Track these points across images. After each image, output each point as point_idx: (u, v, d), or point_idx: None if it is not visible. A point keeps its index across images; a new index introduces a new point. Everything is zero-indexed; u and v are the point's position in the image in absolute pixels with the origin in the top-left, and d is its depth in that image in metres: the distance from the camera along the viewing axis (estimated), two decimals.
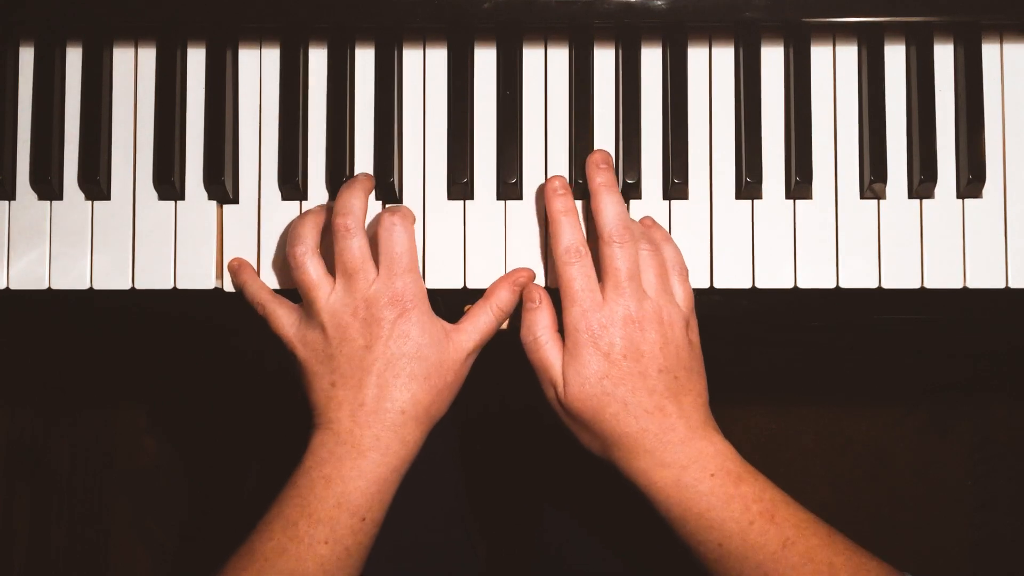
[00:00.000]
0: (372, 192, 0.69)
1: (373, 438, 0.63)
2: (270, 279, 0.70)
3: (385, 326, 0.63)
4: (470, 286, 0.70)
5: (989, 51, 0.70)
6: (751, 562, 0.60)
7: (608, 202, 0.65)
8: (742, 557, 0.60)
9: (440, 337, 0.65)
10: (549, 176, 0.70)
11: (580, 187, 0.69)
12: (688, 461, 0.61)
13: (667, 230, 0.70)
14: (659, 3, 0.68)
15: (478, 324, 0.67)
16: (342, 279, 0.64)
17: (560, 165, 0.70)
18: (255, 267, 0.70)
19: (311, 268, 0.65)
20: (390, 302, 0.64)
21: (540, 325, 0.65)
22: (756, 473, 0.62)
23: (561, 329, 0.65)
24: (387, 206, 0.69)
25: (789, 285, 0.69)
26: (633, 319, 0.63)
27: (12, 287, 0.70)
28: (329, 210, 0.67)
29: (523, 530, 1.17)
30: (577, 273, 0.64)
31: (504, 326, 0.69)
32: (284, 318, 0.66)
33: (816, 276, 0.69)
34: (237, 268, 0.70)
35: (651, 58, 0.71)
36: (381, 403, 0.63)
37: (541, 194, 0.70)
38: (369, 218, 0.69)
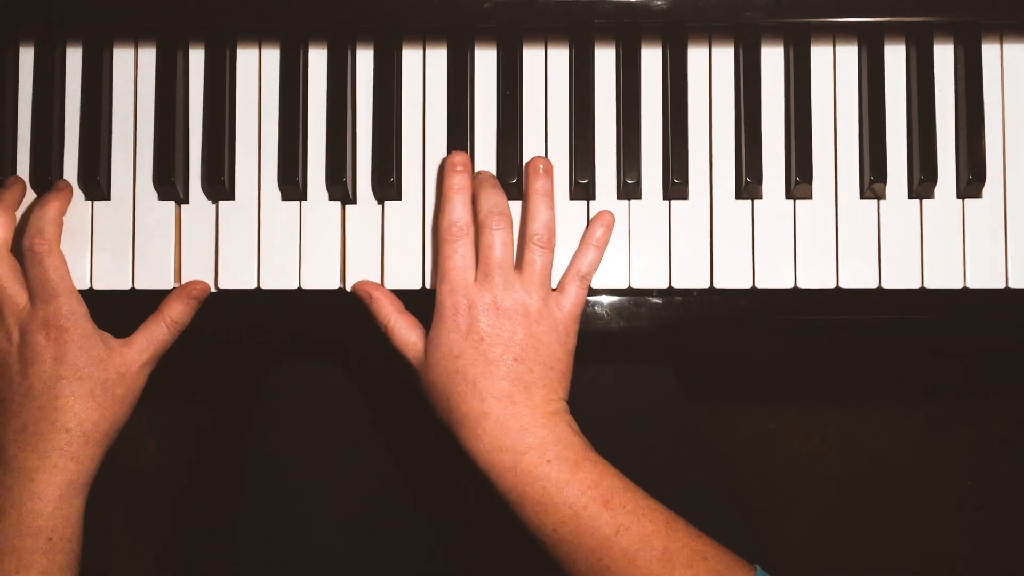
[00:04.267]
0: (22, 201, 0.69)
1: (40, 459, 0.63)
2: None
3: (40, 350, 0.64)
4: None
5: (989, 51, 0.70)
6: (585, 547, 0.60)
7: (488, 189, 0.66)
8: (576, 542, 0.60)
9: (102, 355, 0.65)
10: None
11: (580, 188, 0.69)
12: (526, 447, 0.62)
13: (668, 230, 0.70)
14: (659, 3, 0.68)
15: (151, 337, 0.67)
16: None
17: (560, 165, 0.70)
18: (256, 270, 0.70)
19: None
20: (42, 326, 0.64)
21: (385, 312, 0.67)
22: (598, 461, 0.62)
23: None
24: (30, 228, 0.66)
25: (789, 285, 0.69)
26: (497, 306, 0.64)
27: None
28: None
29: None
30: (454, 251, 0.65)
31: None
32: None
33: (816, 276, 0.69)
34: None
35: (651, 58, 0.71)
36: (42, 424, 0.64)
37: None
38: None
